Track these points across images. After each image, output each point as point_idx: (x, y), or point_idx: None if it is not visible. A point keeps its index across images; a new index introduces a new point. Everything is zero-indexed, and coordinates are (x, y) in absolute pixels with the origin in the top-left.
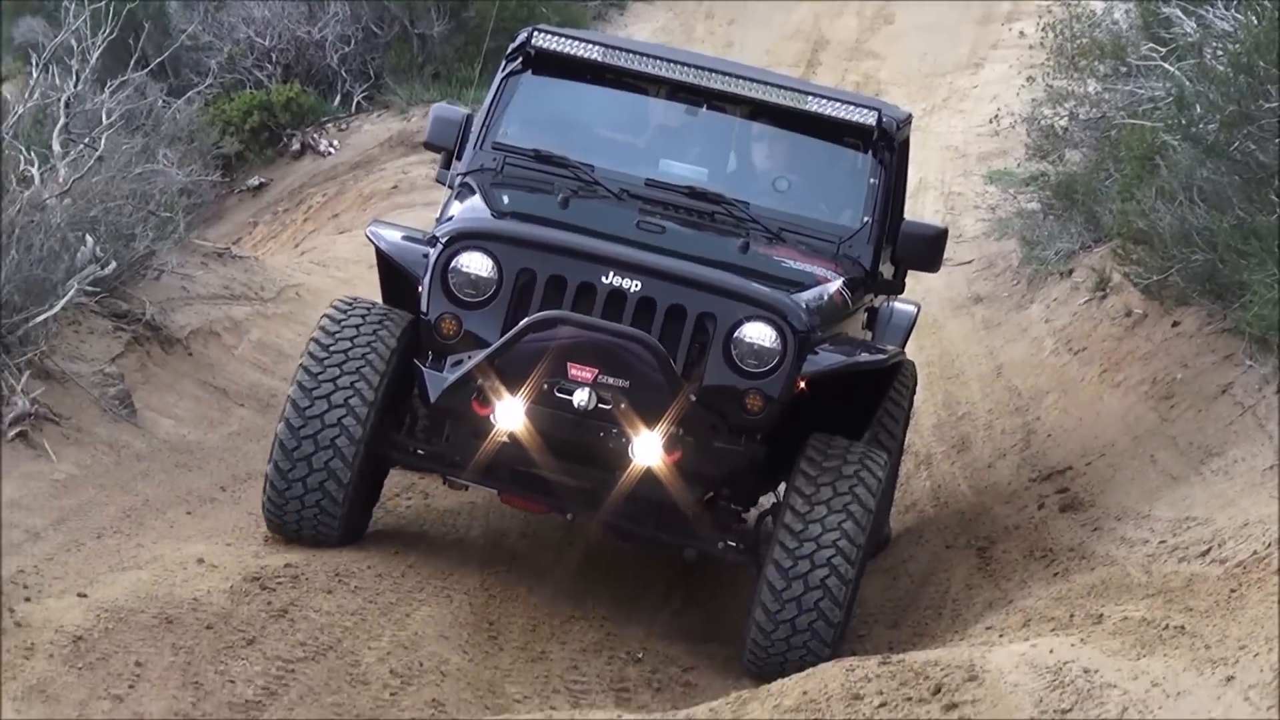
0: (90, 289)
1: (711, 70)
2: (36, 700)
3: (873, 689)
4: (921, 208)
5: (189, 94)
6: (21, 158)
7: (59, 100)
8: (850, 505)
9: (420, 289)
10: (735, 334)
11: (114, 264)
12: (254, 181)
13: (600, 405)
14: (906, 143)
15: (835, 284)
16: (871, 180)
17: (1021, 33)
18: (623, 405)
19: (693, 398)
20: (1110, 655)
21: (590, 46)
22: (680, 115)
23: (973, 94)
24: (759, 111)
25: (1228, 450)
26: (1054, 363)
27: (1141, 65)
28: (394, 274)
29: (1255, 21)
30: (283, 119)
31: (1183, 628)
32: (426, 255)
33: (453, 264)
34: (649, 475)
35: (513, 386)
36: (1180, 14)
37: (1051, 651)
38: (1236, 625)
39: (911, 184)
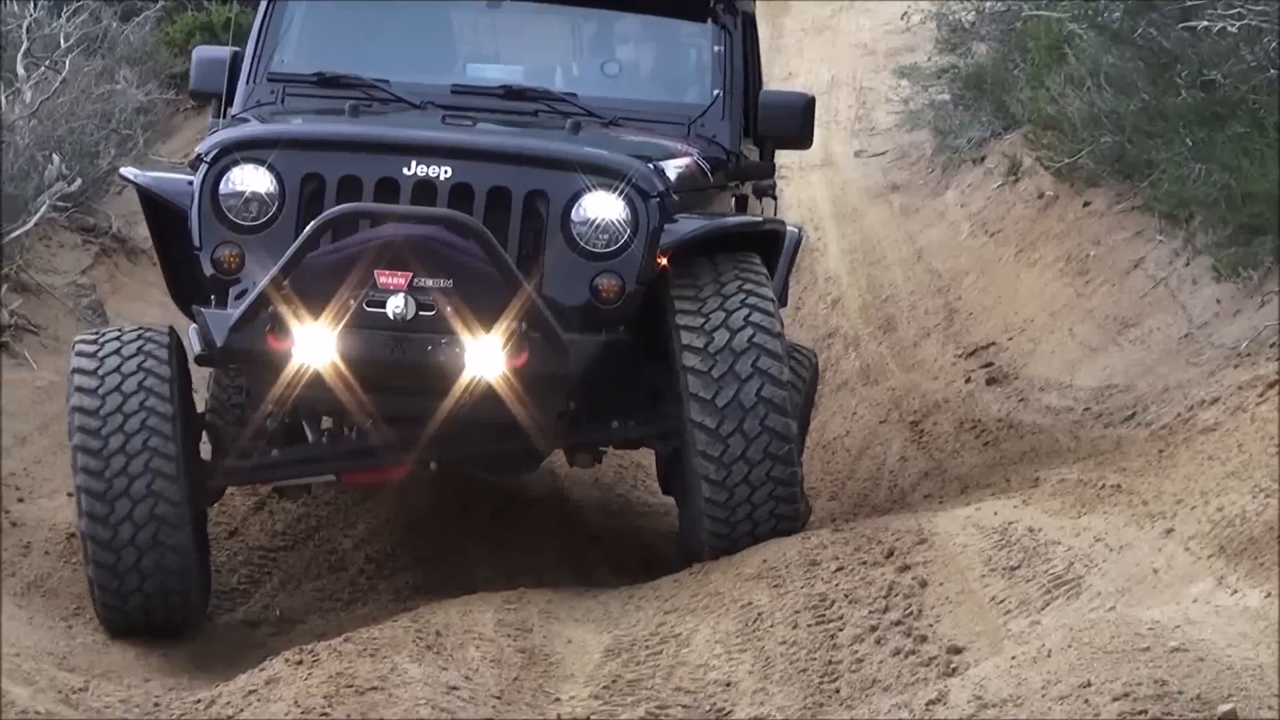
0: (60, 205)
1: None
2: (36, 594)
3: (829, 555)
4: (835, 103)
5: (138, 18)
6: None
7: (20, 26)
8: (751, 315)
9: (188, 221)
10: (574, 210)
11: (80, 180)
12: None
13: (422, 312)
14: (753, 19)
15: (690, 156)
16: (717, 48)
17: None
18: (448, 308)
19: (531, 291)
20: (1052, 515)
21: None
22: (482, 12)
23: None
24: None
25: (1143, 321)
26: (971, 245)
27: None
28: (160, 214)
29: None
30: (224, 39)
31: (1119, 486)
32: (191, 181)
33: (223, 183)
34: (492, 391)
35: (313, 309)
36: None
37: (995, 513)
38: (1170, 482)
39: (823, 82)
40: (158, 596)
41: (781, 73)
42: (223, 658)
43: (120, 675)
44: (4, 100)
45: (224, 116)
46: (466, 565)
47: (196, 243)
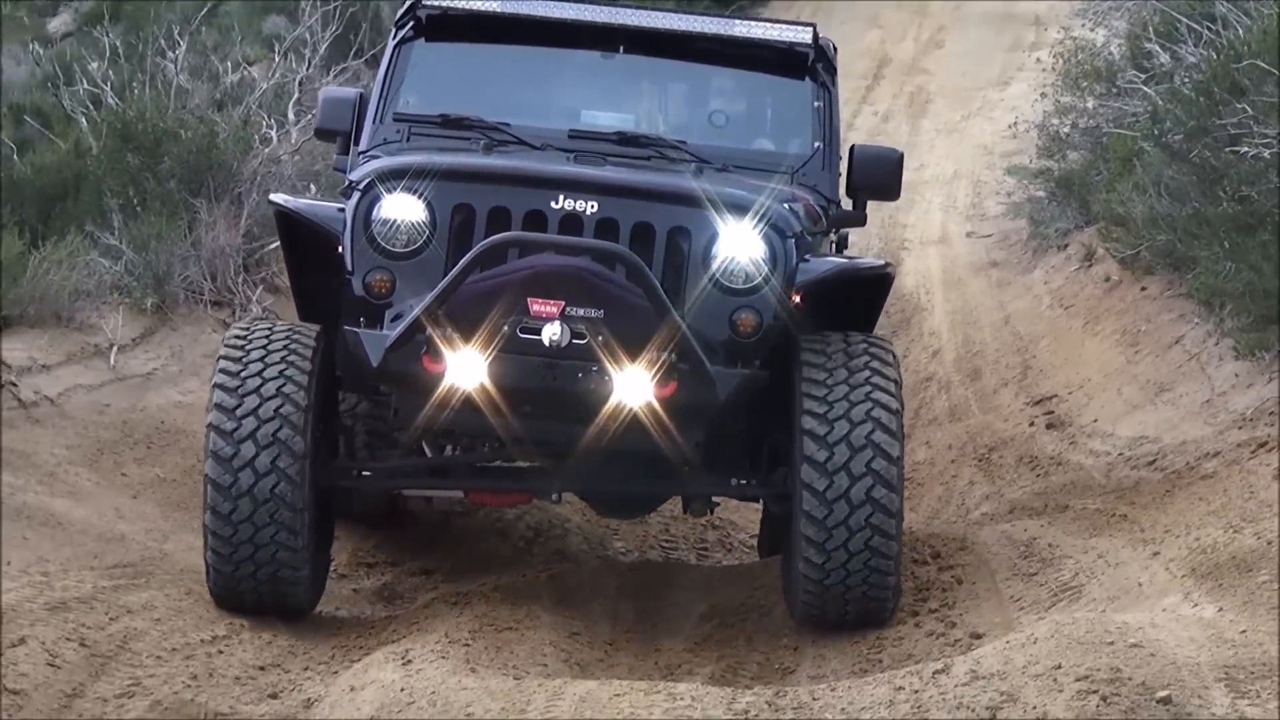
0: None
1: (623, 8)
2: None
3: None
4: (955, 192)
5: None
6: (264, 122)
7: (294, 80)
8: (873, 411)
9: (340, 248)
10: (715, 247)
11: None
12: None
13: (575, 341)
14: (836, 74)
15: (808, 200)
16: (816, 104)
17: (1039, 59)
18: (600, 337)
19: (680, 322)
20: (1070, 535)
21: (483, 1)
22: (597, 62)
23: (1000, 105)
24: (682, 47)
25: (1176, 387)
26: (1049, 315)
27: (1127, 87)
28: (303, 241)
29: (1215, 56)
30: None
31: (1125, 516)
32: (343, 209)
33: (376, 211)
34: (637, 419)
35: (466, 334)
36: (1159, 48)
37: (1025, 530)
38: (1165, 516)
39: (947, 174)
40: (266, 576)
41: (915, 163)
42: (403, 595)
43: None
44: (275, 138)
45: (350, 154)
46: (606, 538)
47: (349, 267)
